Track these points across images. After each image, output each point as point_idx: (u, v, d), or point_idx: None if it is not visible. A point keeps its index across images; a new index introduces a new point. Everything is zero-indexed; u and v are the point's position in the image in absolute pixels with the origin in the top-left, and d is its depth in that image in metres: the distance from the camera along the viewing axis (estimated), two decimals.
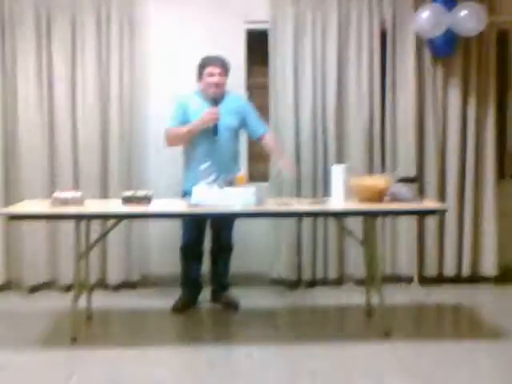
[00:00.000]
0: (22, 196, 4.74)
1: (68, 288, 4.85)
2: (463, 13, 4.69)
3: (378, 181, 3.93)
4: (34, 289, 4.95)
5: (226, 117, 4.26)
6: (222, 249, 4.54)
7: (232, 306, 4.47)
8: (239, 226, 4.59)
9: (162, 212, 3.83)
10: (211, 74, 4.27)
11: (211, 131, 4.20)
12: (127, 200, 3.84)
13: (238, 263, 4.70)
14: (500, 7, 5.04)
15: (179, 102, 4.36)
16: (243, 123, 4.40)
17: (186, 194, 4.18)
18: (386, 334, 3.80)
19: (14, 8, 4.83)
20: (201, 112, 4.20)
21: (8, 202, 4.80)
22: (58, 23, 4.85)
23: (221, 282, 4.57)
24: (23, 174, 4.88)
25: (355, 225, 4.40)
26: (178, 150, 4.41)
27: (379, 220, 4.82)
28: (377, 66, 5.00)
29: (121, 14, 4.86)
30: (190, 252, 4.47)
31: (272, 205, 3.88)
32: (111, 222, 4.23)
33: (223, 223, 4.47)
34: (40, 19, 4.85)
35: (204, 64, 4.31)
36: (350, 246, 5.00)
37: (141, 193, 3.92)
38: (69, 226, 4.40)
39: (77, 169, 4.93)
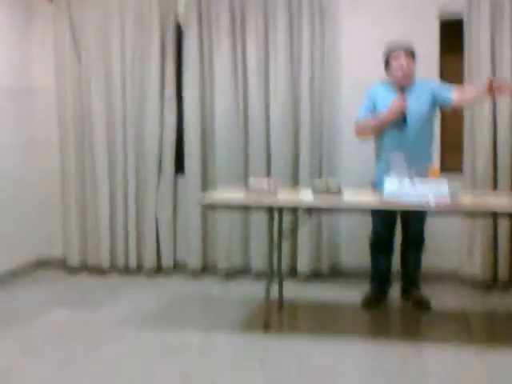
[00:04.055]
0: (217, 179, 5.04)
1: (259, 275, 5.02)
2: None
3: None
4: (229, 274, 5.20)
5: (415, 104, 4.09)
6: (413, 243, 4.38)
7: (423, 304, 4.33)
8: (429, 221, 4.40)
9: (354, 205, 3.78)
10: (397, 58, 4.13)
11: (400, 120, 4.08)
12: (319, 191, 3.85)
13: (427, 260, 4.53)
14: None
15: (369, 93, 4.28)
16: (434, 102, 4.16)
17: (376, 184, 4.12)
18: None
19: (210, 4, 5.07)
20: (387, 101, 4.09)
21: (204, 185, 5.13)
22: (251, 18, 5.00)
23: (411, 278, 4.44)
24: (219, 158, 5.14)
25: None
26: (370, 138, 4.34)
27: None
28: None
29: (312, 6, 4.90)
30: (380, 246, 4.40)
31: (467, 200, 3.68)
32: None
33: (415, 216, 4.29)
34: (235, 15, 5.05)
35: (388, 50, 4.19)
36: None
37: (331, 182, 3.86)
38: (262, 213, 4.58)
39: (269, 155, 5.09)
